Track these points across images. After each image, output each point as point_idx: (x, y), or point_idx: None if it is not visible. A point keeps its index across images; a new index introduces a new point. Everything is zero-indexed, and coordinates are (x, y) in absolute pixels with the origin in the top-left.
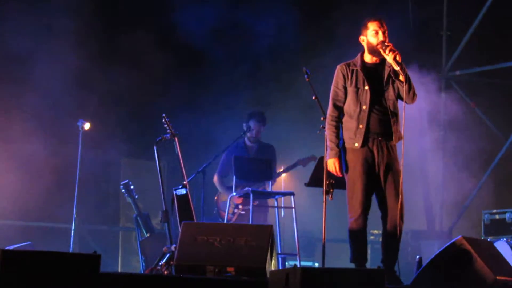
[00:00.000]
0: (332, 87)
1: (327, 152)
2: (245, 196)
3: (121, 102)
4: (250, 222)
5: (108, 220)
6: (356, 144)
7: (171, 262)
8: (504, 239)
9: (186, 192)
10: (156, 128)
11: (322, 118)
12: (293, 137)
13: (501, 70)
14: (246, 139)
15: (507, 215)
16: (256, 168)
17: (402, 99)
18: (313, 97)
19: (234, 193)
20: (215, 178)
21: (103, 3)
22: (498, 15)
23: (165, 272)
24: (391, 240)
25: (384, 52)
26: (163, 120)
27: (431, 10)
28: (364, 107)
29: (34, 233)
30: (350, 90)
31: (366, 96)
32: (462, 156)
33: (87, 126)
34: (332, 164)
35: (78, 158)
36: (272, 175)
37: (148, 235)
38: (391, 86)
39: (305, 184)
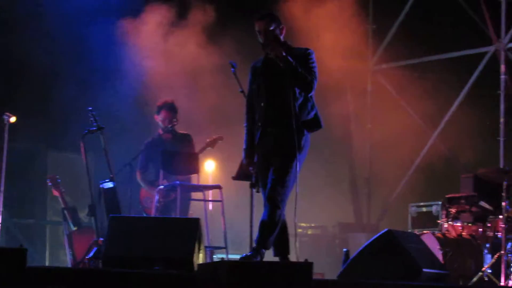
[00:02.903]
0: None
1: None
2: (169, 189)
3: (49, 96)
4: (176, 215)
5: (35, 214)
6: (256, 141)
7: (99, 256)
8: (430, 231)
9: (113, 185)
10: (83, 122)
11: None
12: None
13: (427, 63)
14: (160, 131)
15: (433, 208)
16: (182, 162)
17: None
18: (240, 91)
19: (161, 187)
20: (138, 175)
21: None
22: (423, 9)
23: (93, 266)
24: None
25: (267, 52)
26: (89, 114)
27: (357, 2)
28: (262, 104)
29: None
30: (255, 87)
31: (263, 93)
32: (389, 149)
33: (13, 119)
34: (244, 164)
35: (4, 151)
36: (199, 169)
37: (75, 228)
38: (287, 80)
39: (232, 177)
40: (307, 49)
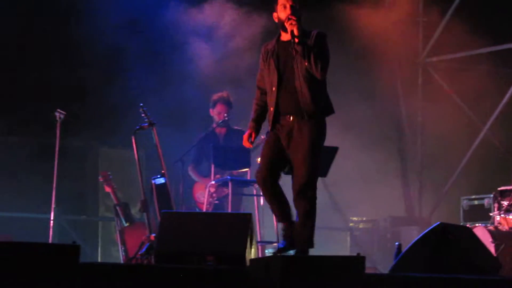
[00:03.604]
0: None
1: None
2: (221, 184)
3: (98, 92)
4: (229, 210)
5: (87, 210)
6: (269, 127)
7: (151, 252)
8: (483, 224)
9: (165, 181)
10: (134, 117)
11: None
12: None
13: (478, 55)
14: (214, 124)
15: (485, 201)
16: (234, 156)
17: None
18: None
19: (213, 182)
20: (190, 168)
21: None
22: (474, 0)
23: (145, 262)
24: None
25: (287, 24)
26: (141, 110)
27: None
28: (273, 88)
29: (12, 224)
30: (266, 71)
31: (274, 77)
32: (440, 142)
33: (64, 116)
34: (245, 134)
35: (56, 148)
36: (250, 163)
37: (127, 224)
38: (299, 63)
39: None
40: (320, 31)
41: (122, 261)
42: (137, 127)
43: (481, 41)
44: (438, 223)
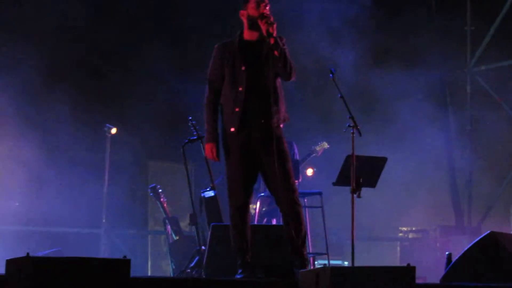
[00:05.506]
0: (209, 68)
1: (205, 137)
2: (271, 196)
3: (147, 105)
4: (279, 223)
5: (137, 224)
6: (232, 129)
7: (201, 265)
8: None
9: (214, 194)
10: (182, 131)
11: (349, 117)
12: (305, 127)
13: None
14: None
15: None
16: None
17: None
18: (339, 96)
19: (262, 194)
20: None
21: None
22: None
23: (195, 275)
24: (292, 224)
25: (261, 23)
26: (189, 123)
27: (454, 4)
28: (240, 88)
29: (63, 239)
30: (227, 71)
31: (242, 77)
32: (489, 150)
33: (113, 130)
34: (209, 149)
35: (106, 162)
36: (298, 175)
37: (177, 238)
38: (271, 64)
39: (332, 183)
40: (280, 36)
41: (172, 275)
42: (186, 141)
43: None
44: (489, 232)
